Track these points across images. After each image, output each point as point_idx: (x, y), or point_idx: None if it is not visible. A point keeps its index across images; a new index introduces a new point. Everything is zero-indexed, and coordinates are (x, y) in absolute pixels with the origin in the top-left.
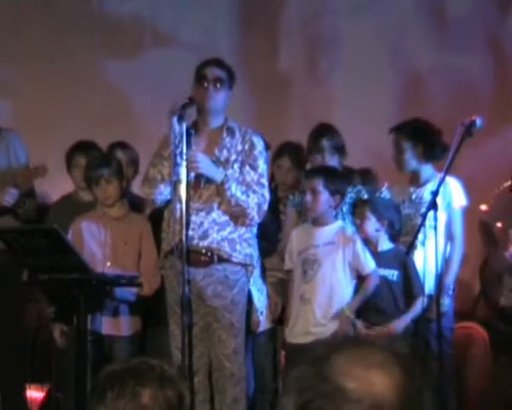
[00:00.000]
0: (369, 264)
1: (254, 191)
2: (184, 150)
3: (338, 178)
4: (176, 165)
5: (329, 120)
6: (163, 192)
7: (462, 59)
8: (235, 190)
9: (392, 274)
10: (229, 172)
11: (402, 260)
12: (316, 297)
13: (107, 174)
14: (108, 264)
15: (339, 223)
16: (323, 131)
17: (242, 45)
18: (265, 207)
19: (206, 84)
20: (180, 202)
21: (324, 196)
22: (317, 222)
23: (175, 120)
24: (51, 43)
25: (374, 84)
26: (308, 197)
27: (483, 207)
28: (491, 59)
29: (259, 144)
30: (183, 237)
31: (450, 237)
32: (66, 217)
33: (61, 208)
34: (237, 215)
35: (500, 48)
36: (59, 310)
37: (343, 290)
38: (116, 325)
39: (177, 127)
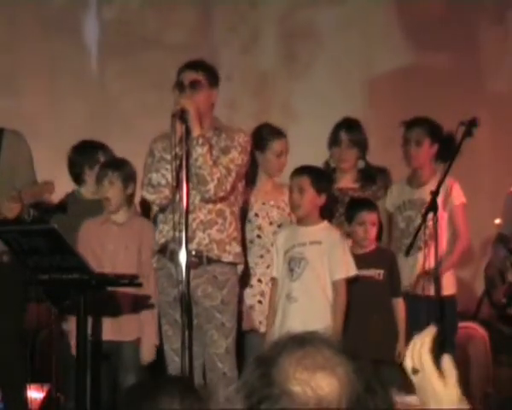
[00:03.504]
0: (341, 270)
1: (220, 168)
2: (184, 153)
3: (324, 178)
4: (177, 166)
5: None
6: (168, 197)
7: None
8: (205, 152)
9: (379, 274)
10: None
11: (388, 259)
12: (303, 295)
13: (111, 176)
14: (107, 269)
15: (325, 223)
16: (343, 123)
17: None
18: (225, 188)
19: (183, 90)
20: (173, 202)
21: (311, 195)
22: (303, 222)
23: (177, 121)
24: (46, 43)
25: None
26: (295, 195)
27: (497, 221)
28: (463, 57)
29: (240, 139)
30: (183, 238)
31: (454, 234)
32: (68, 215)
33: (66, 207)
34: (197, 181)
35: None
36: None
37: (329, 290)
38: (119, 330)
39: (179, 129)
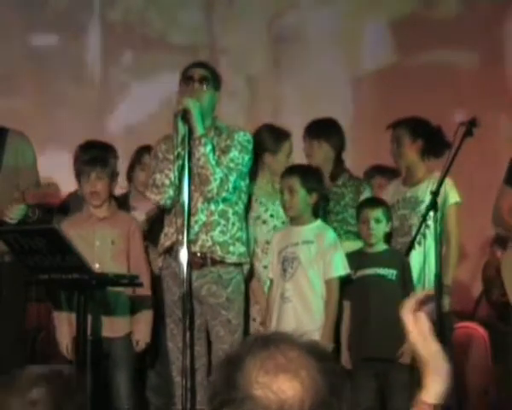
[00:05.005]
0: (334, 269)
1: (222, 168)
2: (186, 152)
3: (314, 177)
4: (180, 166)
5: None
6: (172, 197)
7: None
8: (208, 151)
9: (392, 273)
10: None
11: (400, 259)
12: (296, 295)
13: (99, 170)
14: (97, 266)
15: (318, 222)
16: (309, 123)
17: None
18: (227, 187)
19: (192, 84)
20: (177, 203)
21: (301, 194)
22: (296, 222)
23: (180, 121)
24: (48, 44)
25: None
26: (286, 196)
27: None
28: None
29: (240, 138)
30: (185, 238)
31: (445, 234)
32: (71, 215)
33: (67, 207)
34: (199, 181)
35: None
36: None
37: (322, 290)
38: (112, 326)
39: (181, 129)
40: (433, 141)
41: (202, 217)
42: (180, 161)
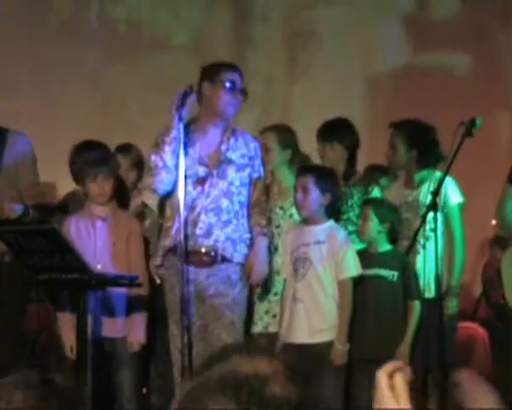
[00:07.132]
0: (346, 270)
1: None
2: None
3: (329, 177)
4: (177, 154)
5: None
6: (164, 181)
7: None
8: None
9: (393, 275)
10: (244, 174)
11: (402, 261)
12: (308, 295)
13: (106, 171)
14: (99, 267)
15: (330, 222)
16: (321, 125)
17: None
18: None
19: (233, 92)
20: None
21: (315, 194)
22: (309, 221)
23: (177, 106)
24: (49, 44)
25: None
26: (299, 195)
27: (494, 222)
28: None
29: (259, 150)
30: (182, 236)
31: (449, 236)
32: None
33: (66, 207)
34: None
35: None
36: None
37: (333, 290)
38: (113, 326)
39: (176, 116)
40: (428, 153)
41: (221, 215)
42: (175, 145)
